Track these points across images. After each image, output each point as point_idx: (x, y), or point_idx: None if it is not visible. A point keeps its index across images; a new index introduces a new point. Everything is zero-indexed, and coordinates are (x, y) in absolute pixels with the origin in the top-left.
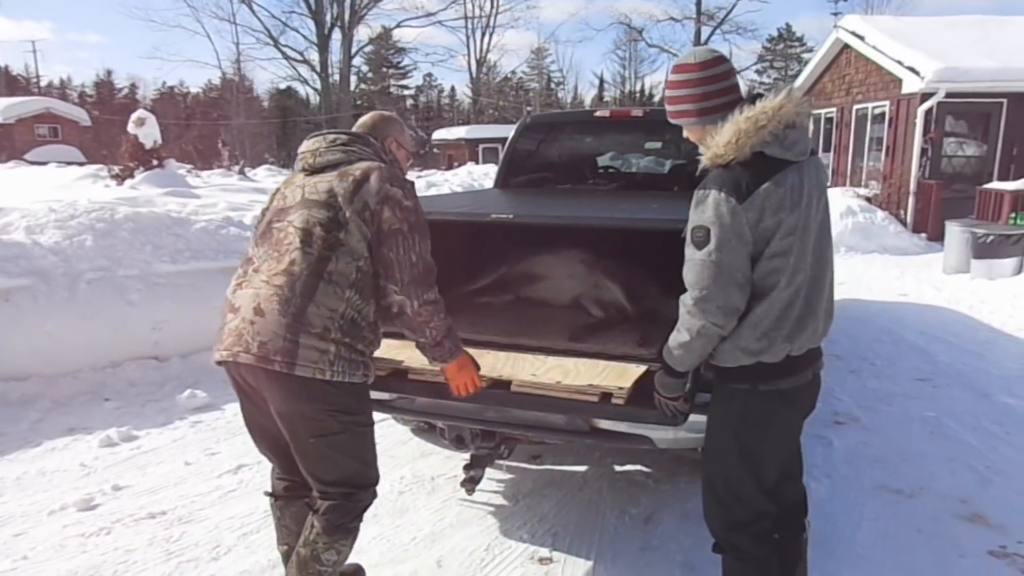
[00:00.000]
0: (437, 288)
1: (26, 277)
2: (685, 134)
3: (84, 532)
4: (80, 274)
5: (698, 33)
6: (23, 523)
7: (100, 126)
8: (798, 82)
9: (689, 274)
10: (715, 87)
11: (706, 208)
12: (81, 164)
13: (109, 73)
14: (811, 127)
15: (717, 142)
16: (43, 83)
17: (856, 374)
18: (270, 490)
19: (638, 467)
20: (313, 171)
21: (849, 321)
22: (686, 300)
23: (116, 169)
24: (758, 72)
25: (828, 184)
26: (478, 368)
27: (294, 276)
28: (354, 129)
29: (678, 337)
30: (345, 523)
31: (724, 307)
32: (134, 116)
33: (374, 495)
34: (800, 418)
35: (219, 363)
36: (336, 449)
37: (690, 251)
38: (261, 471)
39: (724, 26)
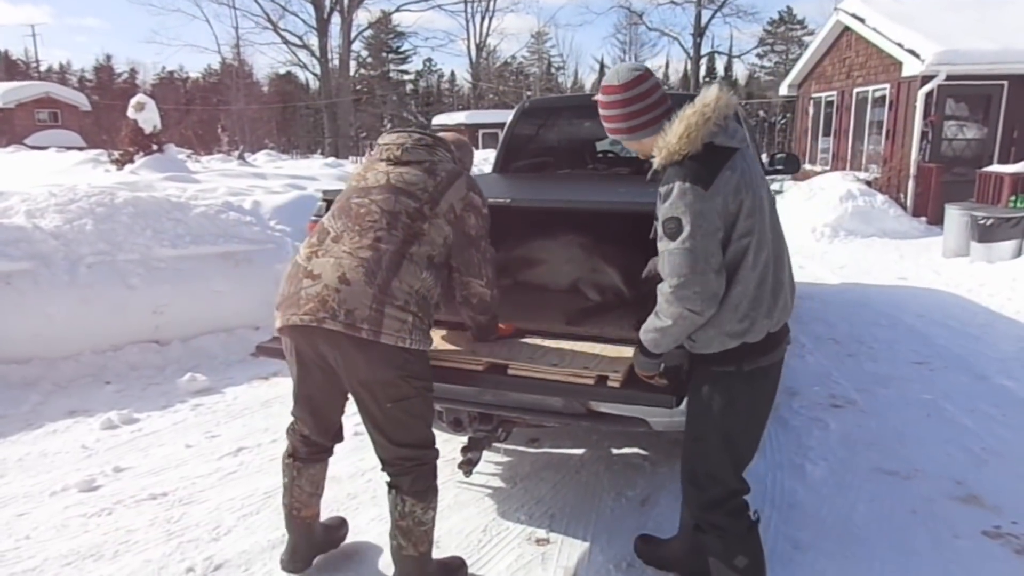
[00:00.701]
0: None
1: (27, 261)
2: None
3: (85, 513)
4: (80, 258)
5: (698, 16)
6: (25, 504)
7: (100, 111)
8: (799, 65)
9: (665, 266)
10: (640, 105)
11: (674, 200)
12: (81, 149)
13: (109, 58)
14: (812, 111)
15: (669, 140)
16: (43, 68)
17: (854, 357)
18: (290, 451)
19: (635, 450)
20: (398, 162)
21: (848, 305)
22: (664, 289)
23: (116, 154)
24: (759, 56)
25: (825, 168)
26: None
27: (380, 252)
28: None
29: (656, 322)
30: (430, 484)
31: (702, 293)
32: (133, 101)
33: (438, 452)
34: (775, 392)
35: (292, 328)
36: (410, 413)
37: (663, 243)
38: (261, 453)
39: (724, 9)
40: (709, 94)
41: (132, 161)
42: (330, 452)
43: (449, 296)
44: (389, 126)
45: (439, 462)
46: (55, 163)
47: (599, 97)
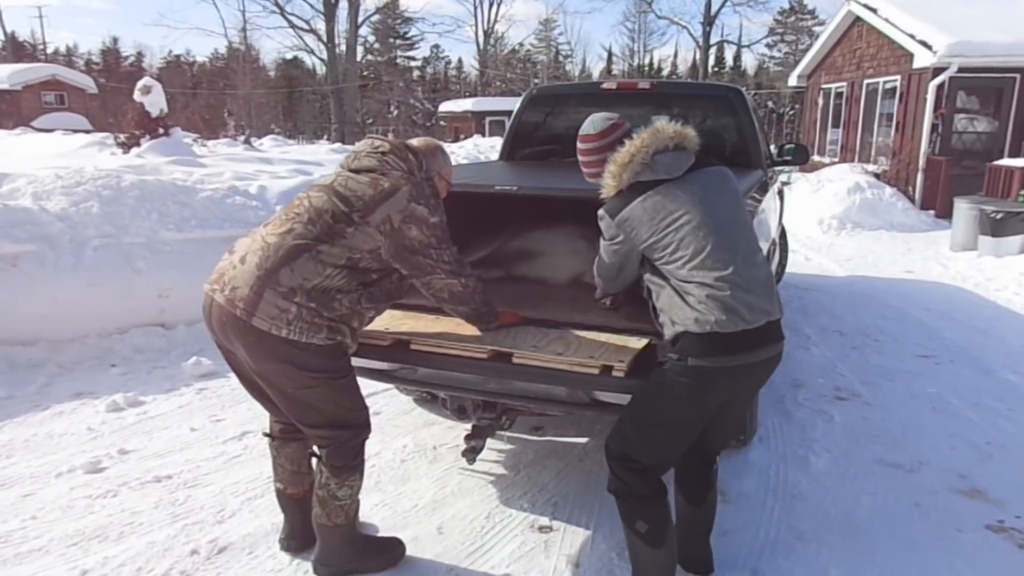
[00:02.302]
0: (469, 267)
1: (33, 243)
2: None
3: (91, 494)
4: (86, 240)
5: (708, 5)
6: (32, 484)
7: (106, 94)
8: (808, 56)
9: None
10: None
11: (600, 225)
12: (87, 132)
13: (115, 41)
14: (821, 102)
15: (606, 180)
16: (49, 50)
17: (859, 350)
18: (268, 431)
19: None
20: (351, 169)
21: (854, 297)
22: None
23: (122, 137)
24: (768, 46)
25: (833, 160)
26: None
27: (284, 241)
28: (407, 142)
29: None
30: (347, 463)
31: (606, 287)
32: (140, 84)
33: (365, 432)
34: (712, 403)
35: (206, 296)
36: (316, 398)
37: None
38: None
39: None
40: (635, 140)
41: (138, 144)
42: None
43: (395, 297)
44: (395, 112)
45: (443, 449)
46: (61, 145)
47: (578, 145)
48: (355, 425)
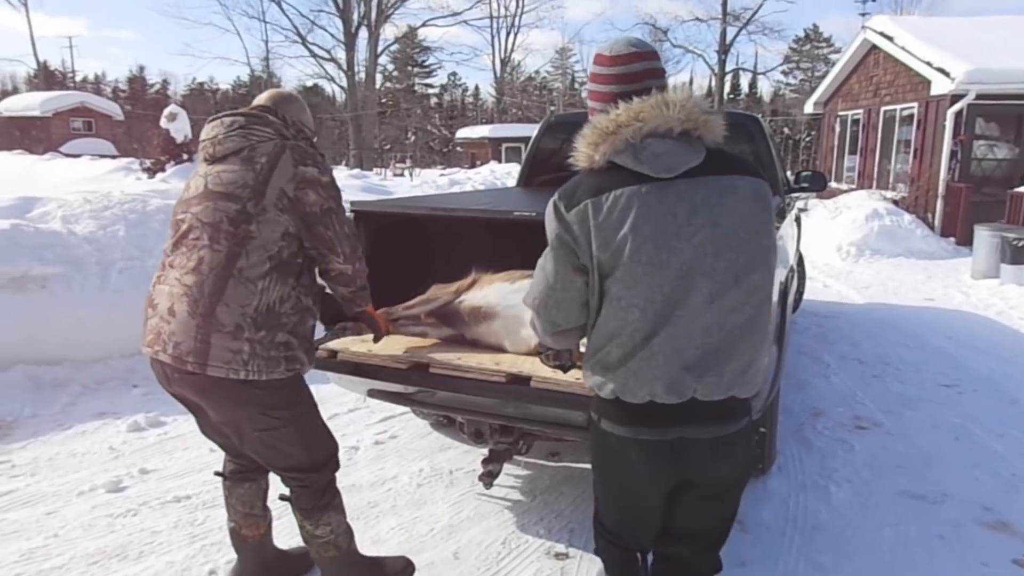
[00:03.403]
0: None
1: (61, 264)
2: None
3: (112, 513)
4: (112, 263)
5: (723, 33)
6: (54, 502)
7: (132, 120)
8: (825, 83)
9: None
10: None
11: (546, 212)
12: (113, 157)
13: (142, 69)
14: (838, 129)
15: (579, 147)
16: (78, 78)
17: (880, 379)
18: (222, 470)
19: None
20: (215, 160)
21: (873, 325)
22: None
23: (148, 162)
24: (784, 73)
25: (851, 187)
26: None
27: (203, 275)
28: (253, 104)
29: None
30: (315, 504)
31: (545, 324)
32: (166, 111)
33: (333, 468)
34: (650, 478)
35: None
36: (281, 440)
37: None
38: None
39: (750, 26)
40: (644, 101)
41: (163, 170)
42: (255, 471)
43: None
44: (412, 139)
45: (459, 474)
46: (88, 170)
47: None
48: (324, 464)
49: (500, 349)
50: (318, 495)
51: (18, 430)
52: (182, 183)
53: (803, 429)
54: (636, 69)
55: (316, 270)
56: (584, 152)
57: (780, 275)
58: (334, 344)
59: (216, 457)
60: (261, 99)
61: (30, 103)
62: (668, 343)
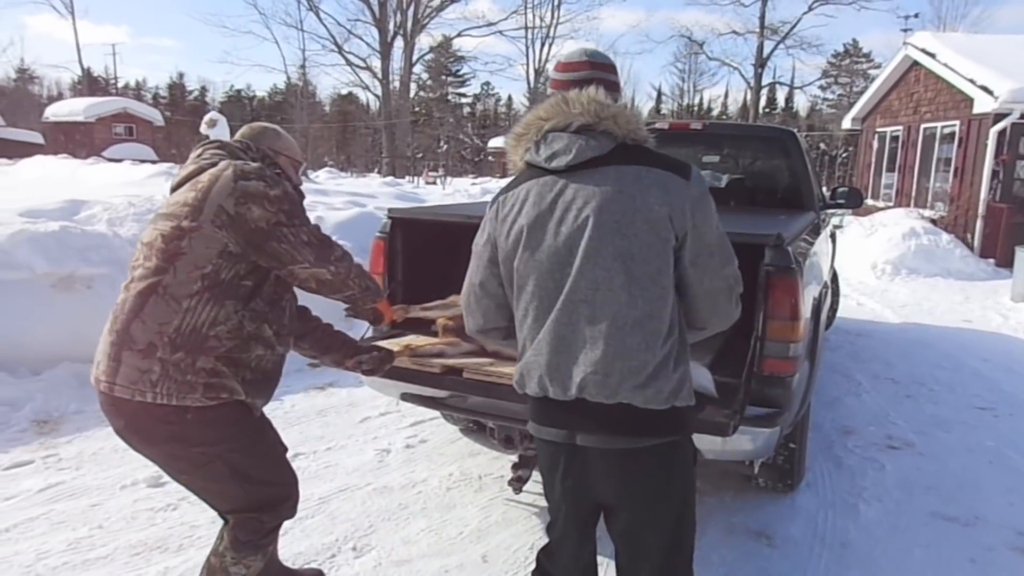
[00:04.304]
0: (335, 241)
1: (106, 266)
2: None
3: (153, 507)
4: None
5: (760, 47)
6: (98, 495)
7: (171, 126)
8: (863, 99)
9: None
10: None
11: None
12: (153, 162)
13: (181, 76)
14: (876, 145)
15: (507, 150)
16: (120, 84)
17: (913, 399)
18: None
19: None
20: (173, 189)
21: (908, 345)
22: None
23: None
24: (822, 88)
25: (888, 204)
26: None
27: (128, 293)
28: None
29: None
30: (252, 540)
31: (468, 322)
32: (207, 118)
33: (286, 513)
34: (562, 490)
35: None
36: (213, 480)
37: None
38: (316, 460)
39: (788, 41)
40: (549, 100)
41: None
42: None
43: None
44: (444, 147)
45: (488, 479)
46: (130, 175)
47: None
48: (275, 505)
49: (352, 508)
50: (259, 534)
51: (64, 425)
52: None
53: (833, 447)
54: (584, 76)
55: (287, 302)
56: (510, 158)
57: (814, 291)
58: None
59: None
60: (243, 130)
61: (74, 109)
62: (552, 330)
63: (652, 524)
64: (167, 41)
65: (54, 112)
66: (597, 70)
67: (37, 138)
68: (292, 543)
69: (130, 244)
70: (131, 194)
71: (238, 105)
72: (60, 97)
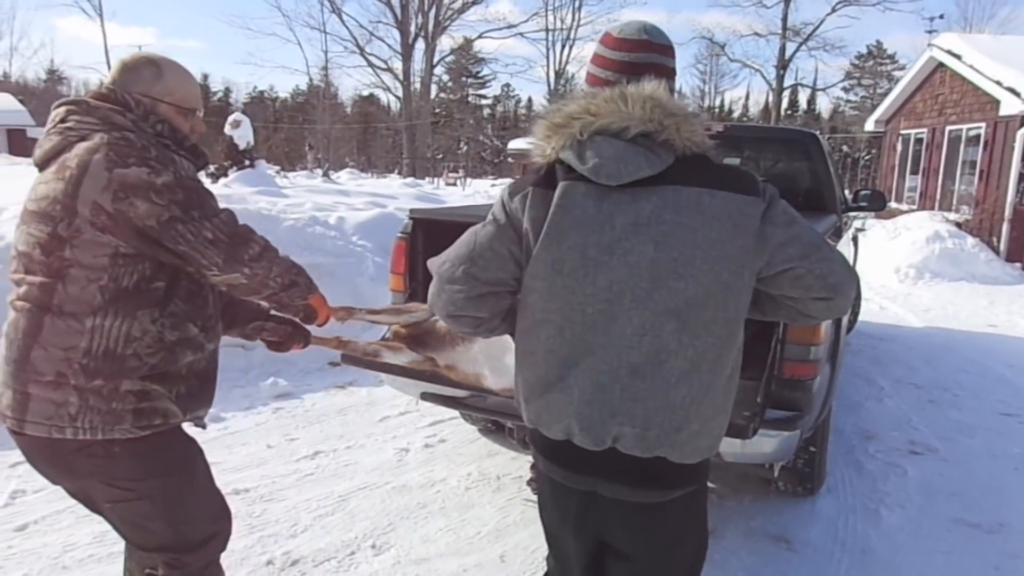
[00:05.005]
0: (254, 232)
1: None
2: None
3: None
4: None
5: (783, 49)
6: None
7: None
8: (887, 101)
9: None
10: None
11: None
12: None
13: (205, 77)
14: (900, 148)
15: (536, 137)
16: None
17: (936, 404)
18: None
19: None
20: (39, 167)
21: (931, 349)
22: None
23: (211, 168)
24: (844, 89)
25: (912, 207)
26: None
27: (17, 311)
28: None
29: None
30: None
31: (440, 290)
32: (231, 119)
33: (214, 552)
34: (567, 527)
35: None
36: (140, 516)
37: None
38: (336, 458)
39: (810, 42)
40: (604, 93)
41: (226, 175)
42: None
43: (209, 308)
44: (464, 148)
45: (507, 479)
46: None
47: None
48: (201, 544)
49: (477, 379)
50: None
51: None
52: (244, 188)
53: (854, 451)
54: (640, 59)
55: (207, 288)
56: (539, 145)
57: None
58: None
59: (273, 454)
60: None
61: None
62: (588, 376)
63: (668, 569)
64: (192, 43)
65: None
66: (656, 53)
67: None
68: (312, 540)
69: None
70: None
71: (261, 106)
72: None
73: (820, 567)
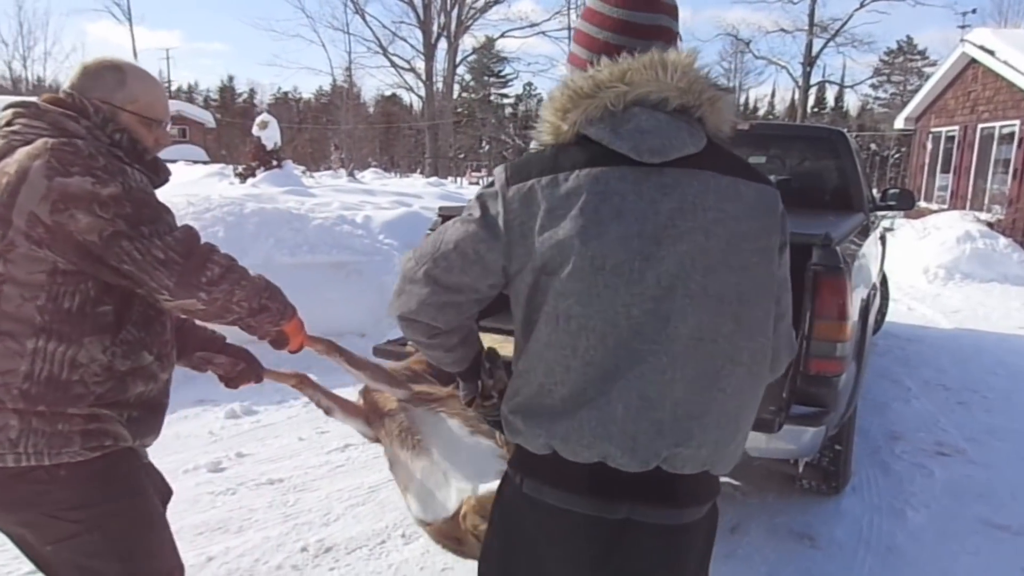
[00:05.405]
0: (217, 252)
1: None
2: None
3: (213, 490)
4: None
5: (810, 45)
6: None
7: (221, 128)
8: (918, 98)
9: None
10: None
11: (486, 189)
12: (205, 163)
13: (231, 79)
14: (930, 146)
15: (544, 117)
16: (173, 88)
17: (965, 406)
18: None
19: (725, 479)
20: None
21: (961, 351)
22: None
23: (240, 168)
24: (873, 86)
25: (942, 207)
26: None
27: None
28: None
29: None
30: None
31: (400, 289)
32: (259, 119)
33: None
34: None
35: None
36: (89, 554)
37: None
38: (366, 451)
39: (838, 38)
40: (635, 60)
41: (254, 175)
42: None
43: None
44: (487, 147)
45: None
46: (185, 175)
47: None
48: None
49: (403, 489)
50: None
51: None
52: (272, 188)
53: (880, 452)
54: (645, 21)
55: (166, 313)
56: (549, 122)
57: (862, 292)
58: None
59: (304, 446)
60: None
61: None
62: (633, 389)
63: None
64: (218, 45)
65: None
66: (665, 14)
67: None
68: (344, 528)
69: None
70: (189, 193)
71: (285, 107)
72: None
73: (844, 565)
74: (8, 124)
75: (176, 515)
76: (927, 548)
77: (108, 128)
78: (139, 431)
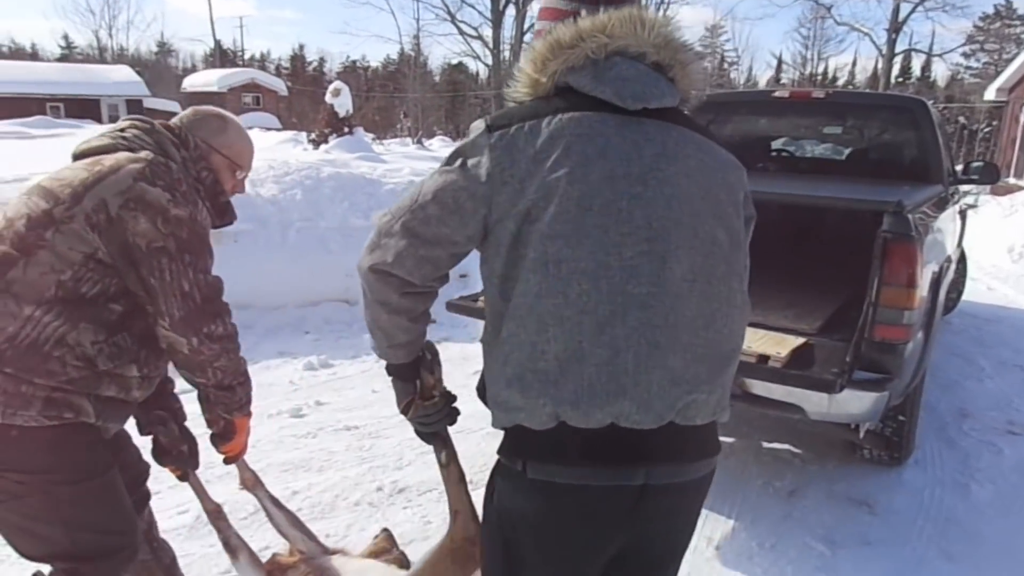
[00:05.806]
0: (228, 315)
1: (250, 223)
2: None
3: (296, 434)
4: (291, 223)
5: (896, 10)
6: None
7: (292, 96)
8: (1012, 67)
9: None
10: None
11: (465, 140)
12: (278, 130)
13: (302, 47)
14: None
15: (522, 70)
16: (247, 56)
17: None
18: None
19: (785, 445)
20: (73, 157)
21: None
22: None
23: (313, 134)
24: (965, 55)
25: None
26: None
27: None
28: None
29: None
30: None
31: (379, 252)
32: (332, 87)
33: (120, 567)
34: (604, 540)
35: None
36: (28, 516)
37: None
38: None
39: (928, 2)
40: (612, 13)
41: (327, 141)
42: None
43: (152, 348)
44: None
45: None
46: (261, 141)
47: None
48: (106, 555)
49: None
50: None
51: None
52: (345, 154)
53: (947, 428)
54: None
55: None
56: (526, 75)
57: (934, 264)
58: None
59: (377, 398)
60: (184, 112)
61: (208, 80)
62: (641, 337)
63: (678, 554)
64: (289, 12)
65: (191, 83)
66: None
67: (176, 107)
68: (416, 472)
69: (271, 204)
70: (268, 158)
71: (353, 75)
72: (194, 69)
73: (901, 531)
74: (121, 130)
75: (263, 454)
76: (989, 522)
77: (200, 164)
78: (103, 413)
